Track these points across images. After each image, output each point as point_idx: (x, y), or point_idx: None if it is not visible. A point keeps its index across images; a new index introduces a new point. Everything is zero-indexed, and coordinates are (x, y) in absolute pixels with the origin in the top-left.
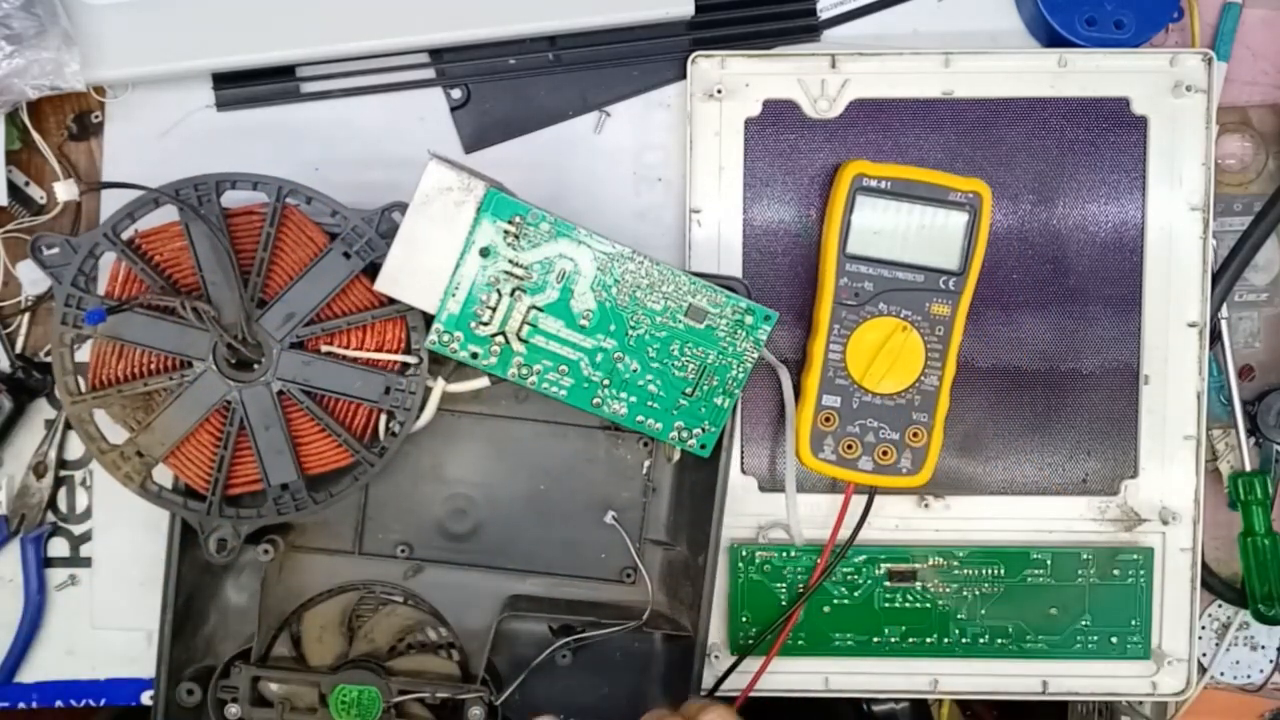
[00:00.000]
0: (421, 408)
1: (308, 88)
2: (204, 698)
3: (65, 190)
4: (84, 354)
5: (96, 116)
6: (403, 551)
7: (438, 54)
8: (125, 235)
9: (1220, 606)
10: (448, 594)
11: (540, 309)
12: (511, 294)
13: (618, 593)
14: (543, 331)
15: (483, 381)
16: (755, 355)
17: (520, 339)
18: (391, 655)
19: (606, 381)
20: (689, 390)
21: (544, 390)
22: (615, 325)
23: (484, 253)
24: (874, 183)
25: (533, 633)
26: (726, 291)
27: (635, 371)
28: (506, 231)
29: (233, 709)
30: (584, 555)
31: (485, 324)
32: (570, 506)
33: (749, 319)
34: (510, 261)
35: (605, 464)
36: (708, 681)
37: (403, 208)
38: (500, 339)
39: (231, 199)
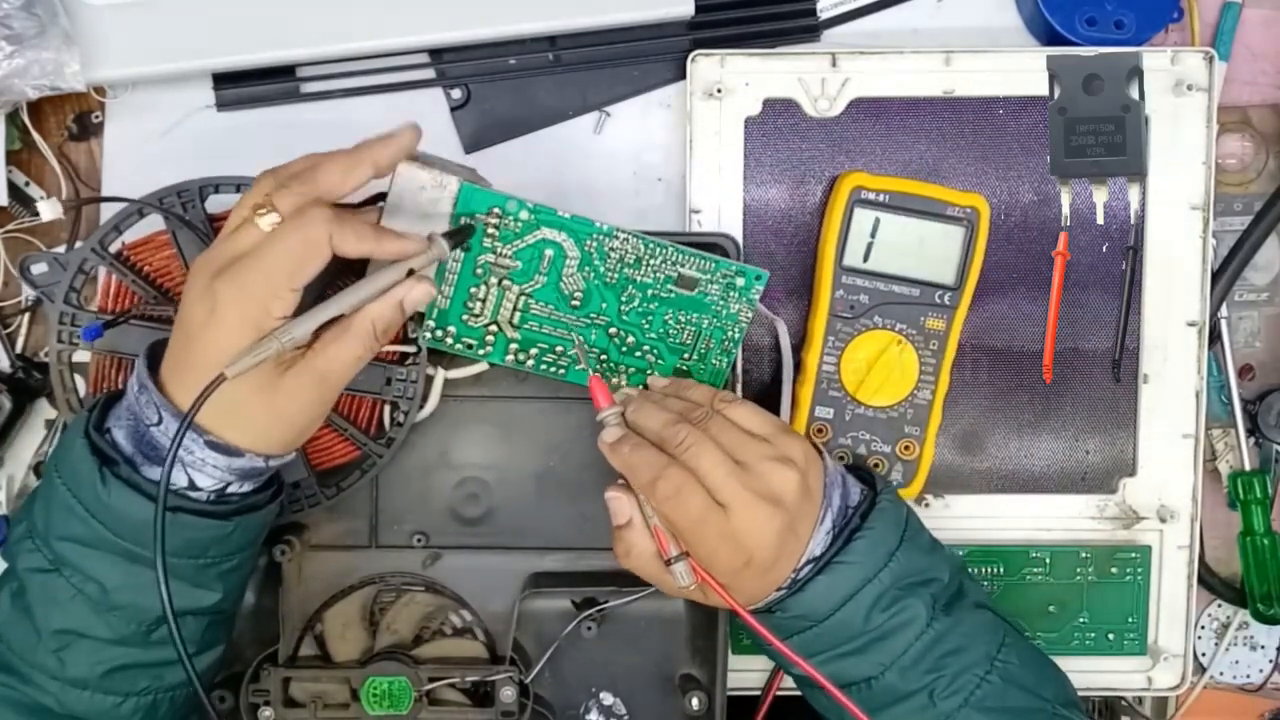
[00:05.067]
0: (424, 397)
1: (308, 88)
2: (235, 703)
3: (49, 209)
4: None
5: (96, 116)
6: (419, 541)
7: (438, 54)
8: (113, 247)
9: (1220, 606)
10: (468, 578)
11: (530, 295)
12: (499, 284)
13: None
14: (535, 316)
15: (482, 365)
16: (750, 315)
17: (513, 326)
18: (417, 644)
19: (604, 356)
20: (687, 355)
21: (543, 372)
22: (607, 303)
23: (466, 248)
24: (872, 196)
25: (556, 608)
26: (716, 257)
27: (631, 345)
28: (486, 224)
29: (266, 712)
30: (599, 527)
31: (477, 316)
32: (581, 479)
33: (739, 280)
34: (494, 253)
35: None
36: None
37: (384, 197)
38: (493, 328)
39: (217, 203)
